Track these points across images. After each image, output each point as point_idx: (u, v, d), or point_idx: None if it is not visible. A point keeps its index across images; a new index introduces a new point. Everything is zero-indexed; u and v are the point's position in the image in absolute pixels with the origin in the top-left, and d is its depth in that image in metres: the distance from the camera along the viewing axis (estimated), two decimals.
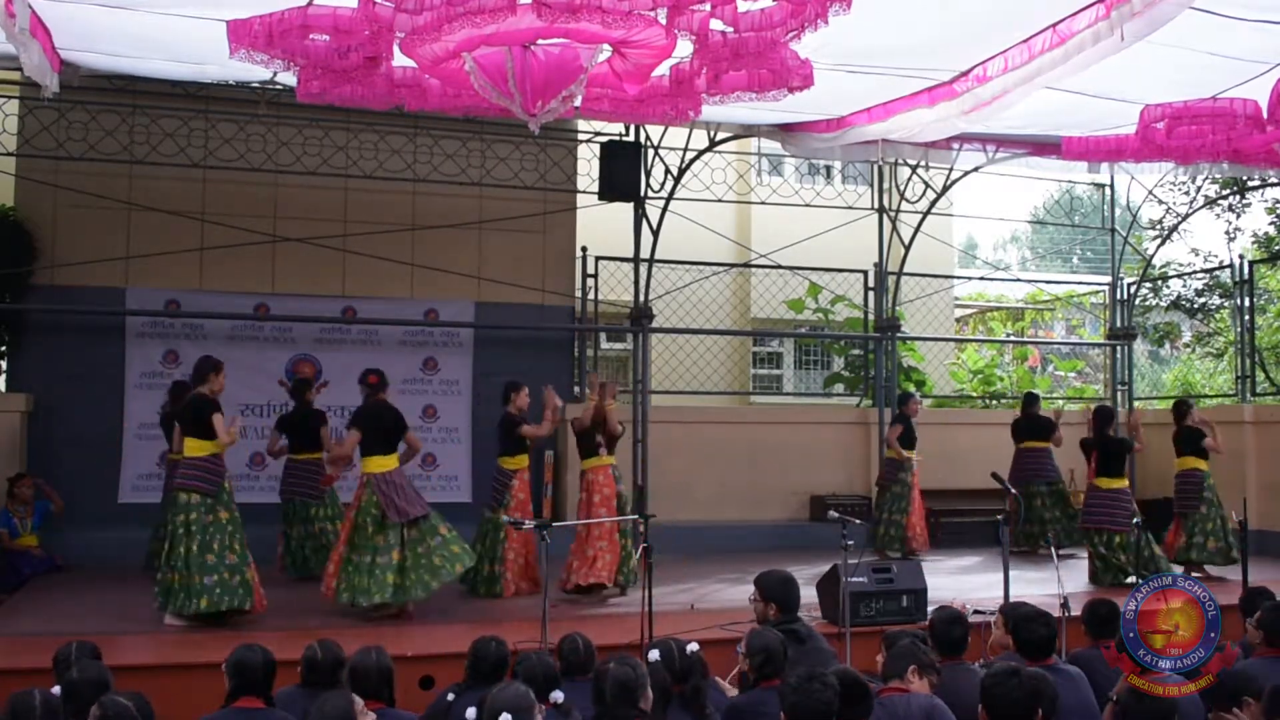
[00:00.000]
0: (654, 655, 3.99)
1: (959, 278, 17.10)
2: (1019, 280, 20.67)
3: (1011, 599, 6.39)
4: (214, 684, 4.14)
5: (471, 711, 3.40)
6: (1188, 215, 14.72)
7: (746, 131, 9.77)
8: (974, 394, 15.12)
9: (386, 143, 10.79)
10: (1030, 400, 11.21)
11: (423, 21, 4.83)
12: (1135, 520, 7.97)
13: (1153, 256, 14.53)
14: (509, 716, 3.30)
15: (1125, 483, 9.27)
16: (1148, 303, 16.80)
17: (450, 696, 4.32)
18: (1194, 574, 8.49)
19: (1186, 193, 15.92)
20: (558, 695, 3.81)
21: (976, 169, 11.01)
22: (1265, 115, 6.63)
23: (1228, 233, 17.10)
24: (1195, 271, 17.10)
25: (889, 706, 3.89)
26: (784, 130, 8.66)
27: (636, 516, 7.55)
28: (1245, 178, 13.51)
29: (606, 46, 5.33)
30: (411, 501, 7.36)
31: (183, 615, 6.86)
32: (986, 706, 3.60)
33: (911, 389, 13.55)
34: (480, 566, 8.21)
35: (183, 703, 4.64)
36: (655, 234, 11.06)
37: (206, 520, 6.96)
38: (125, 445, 10.41)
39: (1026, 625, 4.64)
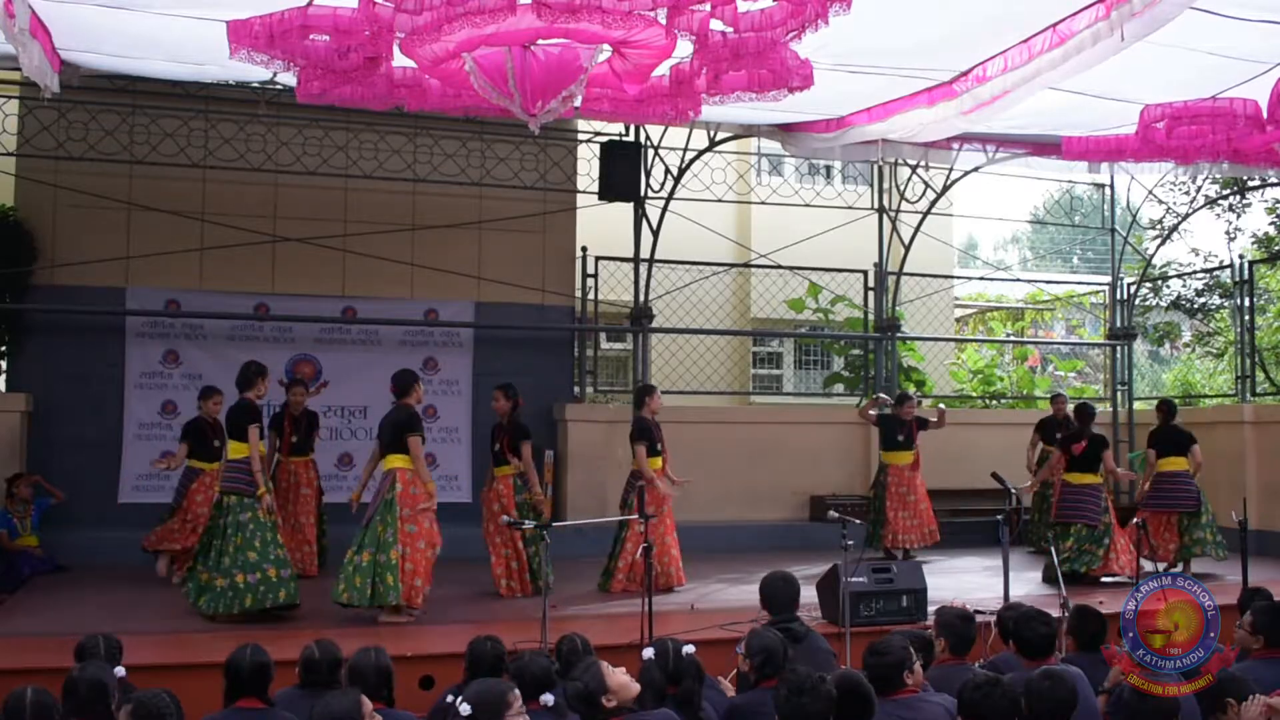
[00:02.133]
0: (648, 654, 3.99)
1: (959, 278, 17.12)
2: (1019, 280, 20.69)
3: (1011, 599, 6.40)
4: (214, 684, 4.14)
5: (466, 708, 3.42)
6: (1188, 215, 14.72)
7: (746, 131, 9.78)
8: (974, 394, 15.13)
9: (386, 143, 10.80)
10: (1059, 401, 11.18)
11: (423, 22, 4.83)
12: (1135, 520, 7.97)
13: (1153, 256, 14.53)
14: (468, 708, 3.38)
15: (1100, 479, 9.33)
16: (1148, 303, 16.80)
17: (450, 698, 4.32)
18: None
19: (1186, 193, 15.93)
20: (548, 698, 3.80)
21: (976, 169, 11.01)
22: (1265, 115, 6.62)
23: (1228, 233, 17.13)
24: (1195, 271, 17.10)
25: (913, 707, 3.87)
26: (784, 130, 8.65)
27: (637, 517, 7.55)
28: (1245, 178, 13.51)
29: (606, 47, 5.33)
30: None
31: (230, 615, 7.00)
32: (966, 715, 3.57)
33: (911, 389, 13.56)
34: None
35: (183, 703, 4.63)
36: (655, 234, 11.06)
37: (244, 519, 7.14)
38: (125, 445, 10.42)
39: (1027, 624, 4.63)
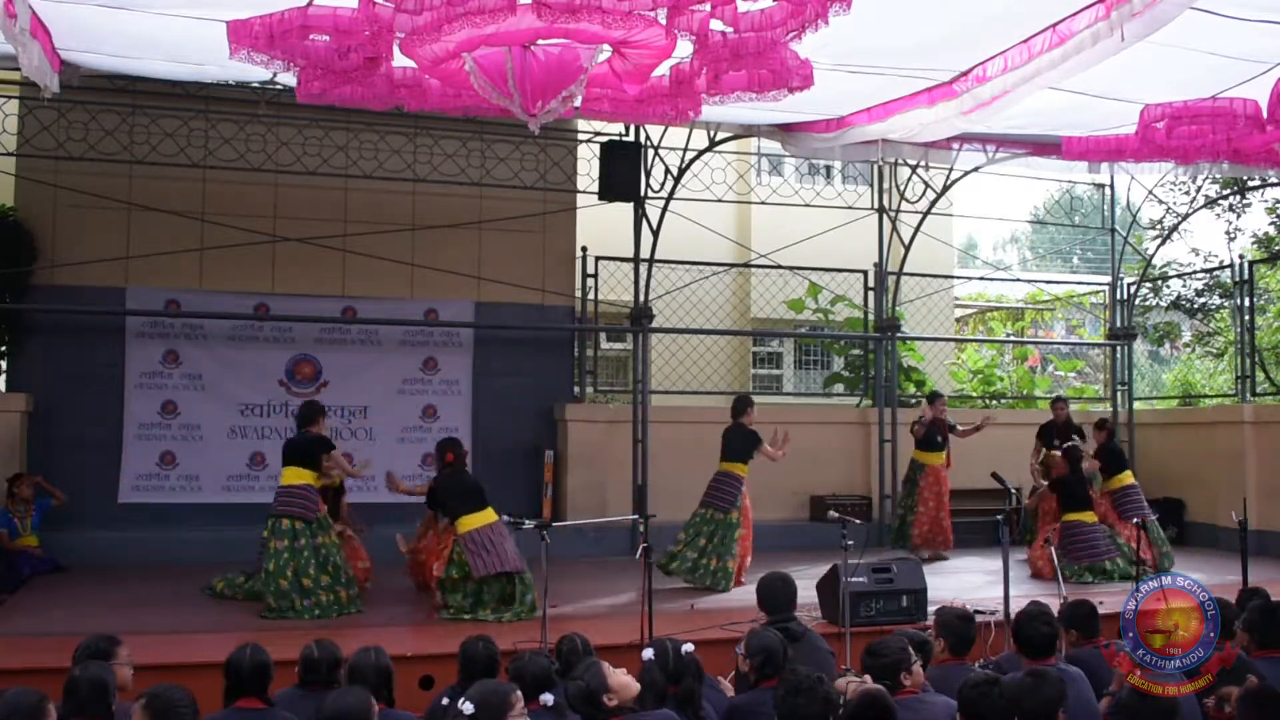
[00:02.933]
0: (648, 654, 4.00)
1: (959, 278, 17.10)
2: (1019, 280, 20.67)
3: (1012, 600, 6.40)
4: (214, 684, 4.14)
5: (469, 707, 3.43)
6: (1188, 215, 14.72)
7: (746, 131, 9.77)
8: (974, 394, 15.12)
9: (386, 143, 10.80)
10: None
11: (423, 22, 4.83)
12: (1135, 520, 7.98)
13: (1153, 256, 14.53)
14: (470, 708, 3.40)
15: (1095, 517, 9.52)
16: (1148, 303, 16.79)
17: (445, 700, 4.32)
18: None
19: (1186, 193, 15.92)
20: (548, 698, 3.81)
21: (976, 169, 11.01)
22: (1265, 115, 6.62)
23: (1228, 233, 17.13)
24: (1195, 271, 17.10)
25: (911, 708, 3.88)
26: (784, 130, 8.65)
27: (636, 516, 7.57)
28: (1245, 178, 13.50)
29: (606, 47, 5.33)
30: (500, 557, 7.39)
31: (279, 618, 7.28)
32: (965, 714, 3.58)
33: (911, 389, 13.55)
34: (707, 561, 8.58)
35: None
36: (655, 234, 11.06)
37: (300, 545, 7.35)
38: (125, 445, 10.42)
39: (1028, 623, 4.63)
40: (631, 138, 11.09)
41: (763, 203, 12.81)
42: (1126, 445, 12.89)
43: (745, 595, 7.40)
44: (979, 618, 5.93)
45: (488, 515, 7.44)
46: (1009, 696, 3.55)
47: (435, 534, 7.96)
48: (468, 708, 3.41)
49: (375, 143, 10.79)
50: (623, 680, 3.76)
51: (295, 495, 7.45)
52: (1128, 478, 9.92)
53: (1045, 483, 9.93)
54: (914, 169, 11.90)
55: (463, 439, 11.14)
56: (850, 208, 12.49)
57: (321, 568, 7.37)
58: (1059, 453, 9.82)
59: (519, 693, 3.58)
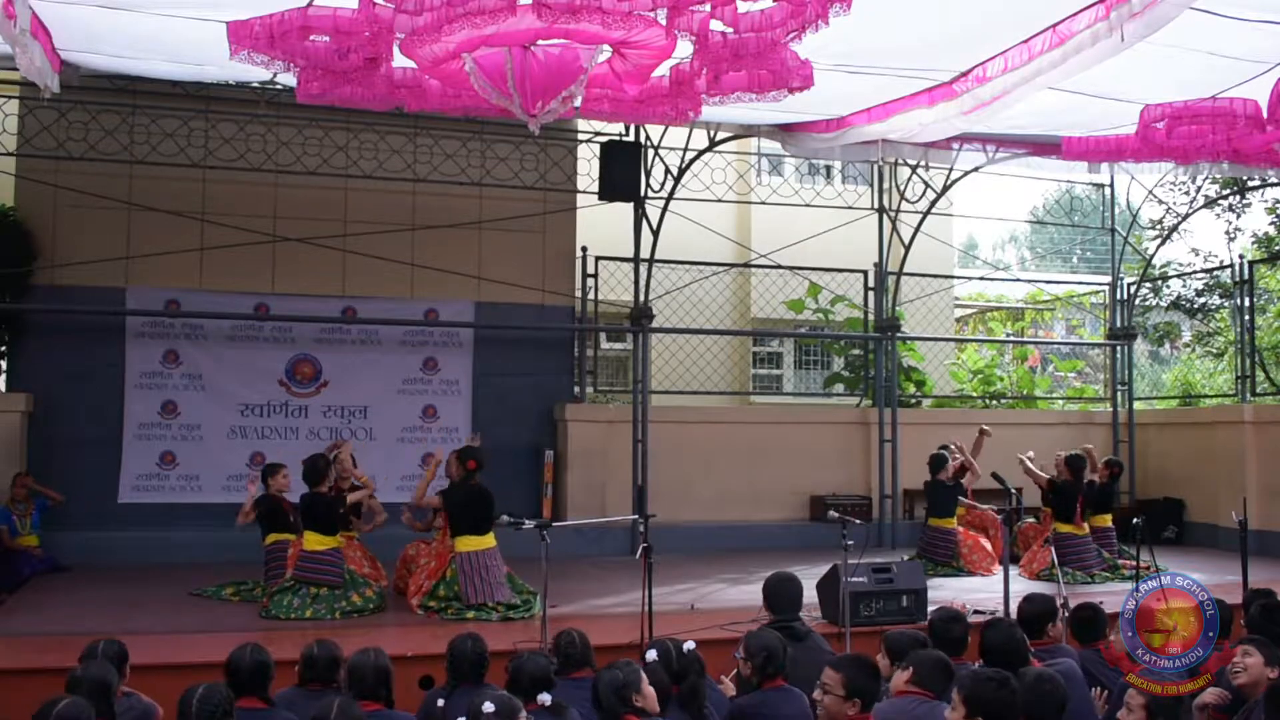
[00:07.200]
0: (651, 655, 4.00)
1: (959, 278, 17.10)
2: (1019, 280, 20.64)
3: (1011, 601, 6.39)
4: None
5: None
6: (1188, 215, 14.73)
7: (746, 131, 9.78)
8: (974, 394, 15.11)
9: (386, 143, 10.80)
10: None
11: (423, 22, 4.83)
12: (1135, 521, 7.96)
13: (1153, 256, 14.53)
14: (491, 706, 3.39)
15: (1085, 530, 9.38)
16: (1148, 303, 16.79)
17: (440, 701, 4.33)
18: None
19: (1186, 193, 15.93)
20: (545, 698, 3.81)
21: (976, 169, 11.01)
22: (1265, 115, 6.62)
23: (1228, 233, 17.14)
24: (1195, 271, 17.10)
25: (935, 710, 3.88)
26: (784, 130, 8.66)
27: (636, 516, 7.56)
28: (1245, 178, 13.50)
29: (606, 47, 5.33)
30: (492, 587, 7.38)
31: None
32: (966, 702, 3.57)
33: (911, 389, 13.54)
34: None
35: None
36: (655, 234, 11.06)
37: (339, 605, 7.31)
38: (125, 445, 10.41)
39: (1029, 621, 4.64)
40: (631, 138, 11.09)
41: (763, 203, 12.82)
42: (1126, 444, 12.92)
43: (746, 595, 7.40)
44: (977, 618, 5.92)
45: (488, 540, 7.42)
46: (1013, 689, 3.55)
47: (431, 550, 7.92)
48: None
49: (375, 143, 10.79)
50: (652, 693, 3.79)
51: (319, 562, 7.36)
52: (1104, 520, 9.73)
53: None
54: (914, 169, 11.90)
55: (462, 439, 11.21)
56: (850, 208, 12.49)
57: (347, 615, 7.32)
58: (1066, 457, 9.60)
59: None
